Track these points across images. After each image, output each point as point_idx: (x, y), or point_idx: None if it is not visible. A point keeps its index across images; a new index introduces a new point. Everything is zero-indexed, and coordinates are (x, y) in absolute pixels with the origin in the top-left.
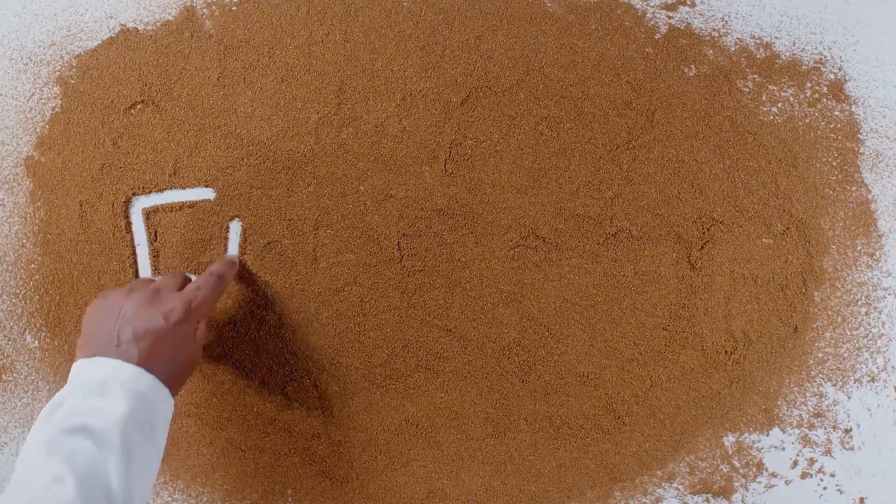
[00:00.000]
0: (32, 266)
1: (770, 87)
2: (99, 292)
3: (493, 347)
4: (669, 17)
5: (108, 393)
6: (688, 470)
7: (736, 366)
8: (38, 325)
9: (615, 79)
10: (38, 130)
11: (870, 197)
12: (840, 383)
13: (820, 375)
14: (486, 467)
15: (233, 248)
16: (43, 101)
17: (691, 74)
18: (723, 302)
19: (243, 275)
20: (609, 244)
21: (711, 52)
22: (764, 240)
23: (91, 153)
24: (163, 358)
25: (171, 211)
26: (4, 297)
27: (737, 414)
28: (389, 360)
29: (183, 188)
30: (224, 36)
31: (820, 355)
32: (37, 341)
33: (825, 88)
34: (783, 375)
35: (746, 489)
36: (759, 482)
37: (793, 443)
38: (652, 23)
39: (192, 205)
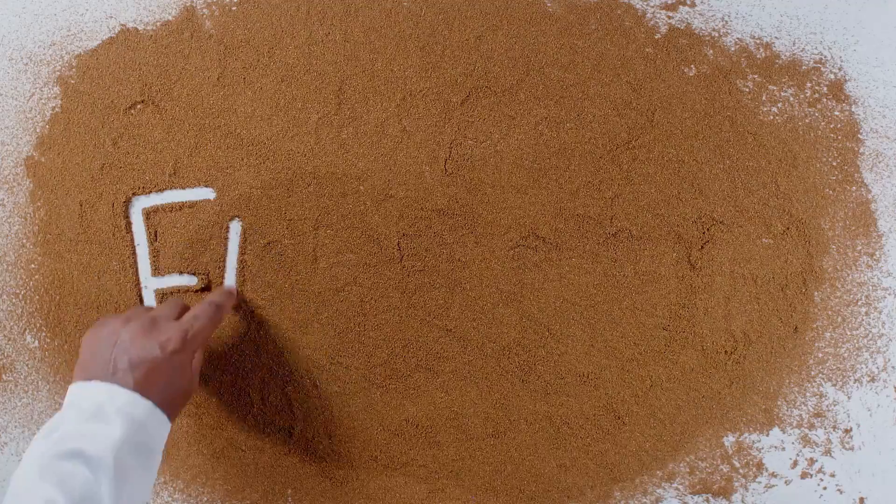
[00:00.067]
0: (32, 266)
1: (770, 87)
2: (97, 319)
3: (493, 347)
4: (669, 17)
5: (104, 418)
6: (688, 470)
7: (736, 366)
8: (38, 325)
9: (615, 79)
10: (38, 130)
11: (870, 197)
12: (840, 383)
13: (820, 375)
14: (486, 467)
15: (233, 248)
16: (43, 101)
17: (691, 74)
18: (723, 302)
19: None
20: (609, 244)
21: (711, 52)
22: (764, 240)
23: (91, 153)
24: (158, 386)
25: (171, 211)
26: (4, 297)
27: (737, 414)
28: (389, 360)
29: (183, 188)
30: (224, 36)
31: (820, 355)
32: (37, 341)
33: (825, 88)
34: (783, 375)
35: (746, 489)
36: (759, 482)
37: (793, 443)
38: (652, 23)
39: (192, 205)
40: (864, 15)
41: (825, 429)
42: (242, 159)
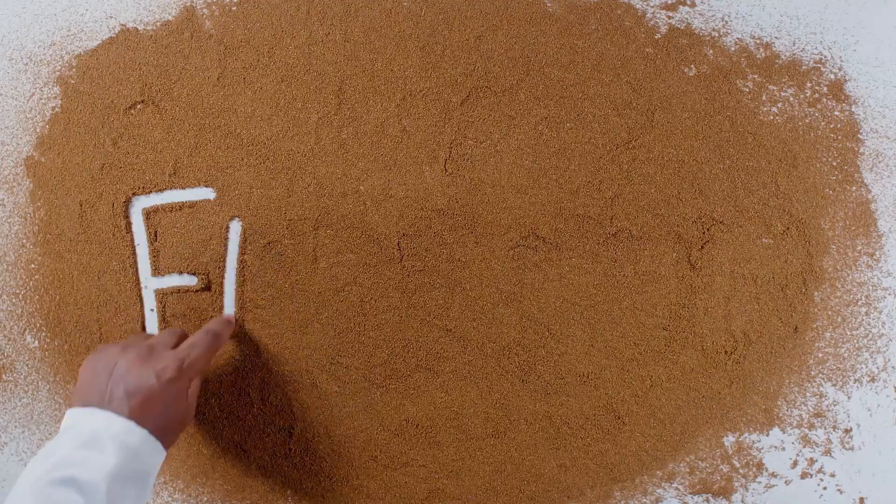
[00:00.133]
0: (32, 266)
1: (770, 87)
2: (94, 348)
3: (493, 347)
4: (669, 17)
5: (98, 445)
6: (688, 470)
7: (736, 366)
8: (38, 325)
9: (615, 79)
10: (38, 130)
11: (870, 197)
12: (840, 383)
13: (820, 375)
14: (486, 467)
15: (233, 248)
16: (43, 101)
17: (691, 74)
18: (723, 302)
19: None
20: (609, 244)
21: (711, 52)
22: (764, 240)
23: (91, 153)
24: (153, 414)
25: (171, 211)
26: (4, 297)
27: (737, 414)
28: (389, 360)
29: (183, 188)
30: (224, 36)
31: (820, 355)
32: (37, 341)
33: (825, 88)
34: (783, 375)
35: (746, 489)
36: (759, 482)
37: (793, 443)
38: (652, 23)
39: (192, 205)
40: (864, 15)
41: (825, 429)
42: (242, 159)
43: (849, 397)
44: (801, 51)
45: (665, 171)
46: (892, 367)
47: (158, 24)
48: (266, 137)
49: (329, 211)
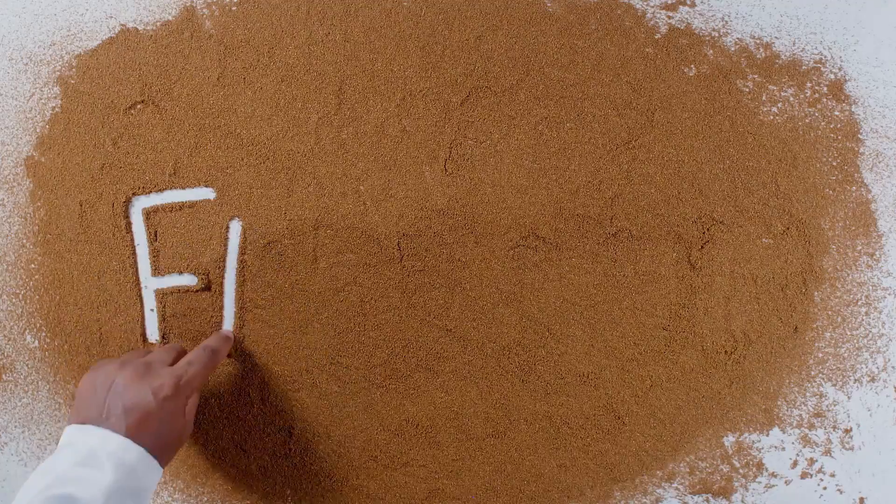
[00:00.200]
0: (32, 266)
1: (770, 87)
2: (93, 363)
3: (493, 347)
4: (669, 17)
5: (96, 463)
6: (688, 470)
7: (736, 366)
8: (38, 325)
9: (615, 79)
10: (38, 130)
11: (870, 197)
12: (840, 383)
13: (820, 375)
14: (486, 467)
15: (233, 248)
16: (43, 101)
17: (691, 74)
18: (723, 302)
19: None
20: (609, 244)
21: (711, 52)
22: (764, 240)
23: (91, 153)
24: (150, 431)
25: (171, 211)
26: (4, 297)
27: (737, 414)
28: (389, 360)
29: (183, 188)
30: (224, 36)
31: (820, 355)
32: (37, 341)
33: (825, 88)
34: (783, 375)
35: (746, 489)
36: (759, 482)
37: (793, 443)
38: (652, 23)
39: (192, 205)
40: (864, 15)
41: (825, 429)
42: (242, 159)
43: (849, 397)
44: (801, 51)
45: (665, 171)
46: (892, 367)
47: (158, 24)
48: (266, 137)
49: (329, 211)
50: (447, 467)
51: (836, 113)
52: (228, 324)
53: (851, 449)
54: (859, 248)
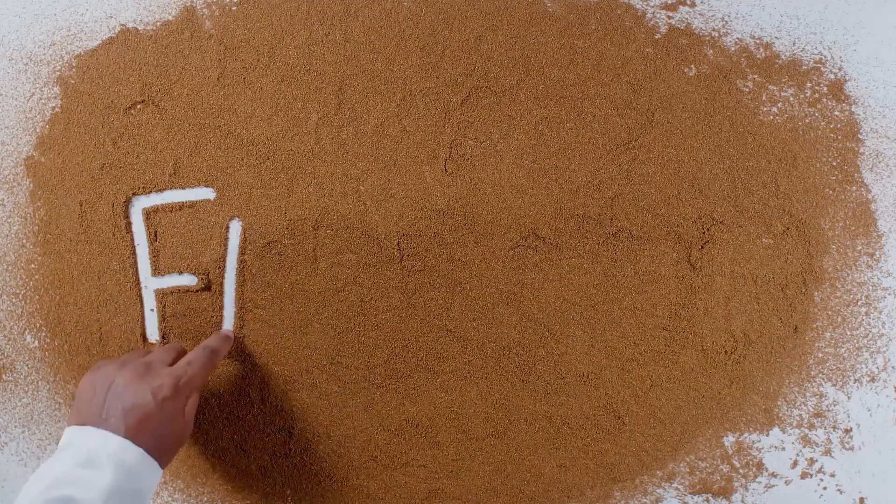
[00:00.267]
0: (32, 266)
1: (770, 87)
2: (92, 364)
3: (493, 347)
4: (669, 17)
5: (95, 464)
6: (688, 470)
7: (736, 366)
8: (38, 325)
9: (615, 79)
10: (38, 130)
11: (870, 197)
12: (840, 383)
13: (820, 375)
14: (486, 467)
15: (233, 248)
16: (43, 101)
17: (691, 74)
18: (723, 302)
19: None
20: (609, 244)
21: (711, 52)
22: (764, 240)
23: (91, 153)
24: (150, 432)
25: (171, 211)
26: (4, 297)
27: (737, 414)
28: (389, 360)
29: (183, 188)
30: (224, 36)
31: (820, 355)
32: (37, 341)
33: (825, 88)
34: (783, 375)
35: (746, 489)
36: (759, 482)
37: (793, 443)
38: (652, 23)
39: (192, 205)
40: (864, 15)
41: (825, 429)
42: (242, 159)
43: (849, 397)
44: (801, 51)
45: (665, 171)
46: (892, 367)
47: (158, 24)
48: (266, 137)
49: (329, 211)
50: (447, 467)
51: (836, 113)
52: (228, 324)
53: (851, 449)
54: (859, 248)
